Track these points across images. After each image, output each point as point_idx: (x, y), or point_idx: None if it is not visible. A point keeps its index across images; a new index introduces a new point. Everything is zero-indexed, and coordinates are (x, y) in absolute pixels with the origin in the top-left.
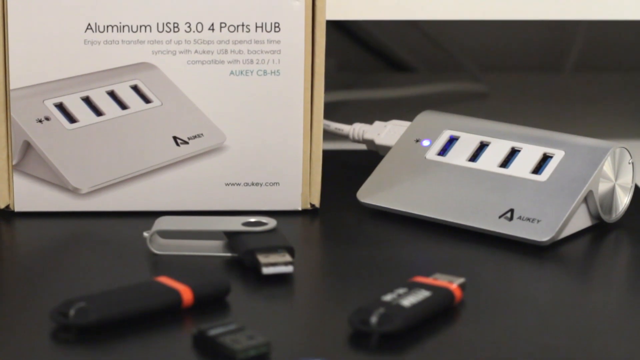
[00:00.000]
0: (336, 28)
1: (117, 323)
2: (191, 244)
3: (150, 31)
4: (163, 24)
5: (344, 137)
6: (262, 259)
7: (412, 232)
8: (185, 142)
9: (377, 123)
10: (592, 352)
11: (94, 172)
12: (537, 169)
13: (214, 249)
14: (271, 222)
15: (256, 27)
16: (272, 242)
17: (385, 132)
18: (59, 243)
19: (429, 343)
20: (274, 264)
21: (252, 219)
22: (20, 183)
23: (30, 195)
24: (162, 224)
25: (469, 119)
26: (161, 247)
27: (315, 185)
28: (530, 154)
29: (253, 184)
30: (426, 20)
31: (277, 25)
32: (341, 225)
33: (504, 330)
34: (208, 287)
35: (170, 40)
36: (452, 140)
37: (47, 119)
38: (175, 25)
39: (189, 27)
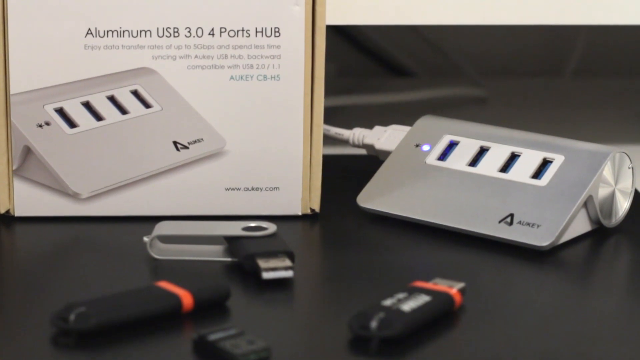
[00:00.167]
0: (336, 33)
1: (118, 328)
2: (191, 248)
3: (150, 36)
4: (163, 28)
5: (344, 142)
6: (262, 263)
7: (412, 237)
8: (186, 147)
9: (377, 128)
10: (592, 357)
11: (94, 177)
12: (537, 174)
13: (214, 253)
14: (271, 227)
15: (256, 32)
16: (272, 247)
17: (385, 137)
18: (59, 248)
19: (429, 348)
20: (274, 269)
21: (252, 224)
22: (21, 188)
23: (30, 200)
24: (162, 228)
25: (468, 123)
26: (161, 251)
27: (315, 190)
28: (530, 159)
29: (253, 189)
30: (426, 25)
31: (277, 30)
32: (341, 230)
33: (504, 335)
34: (208, 292)
35: (170, 45)
36: (452, 145)
37: (47, 123)
38: (175, 30)
39: (189, 32)
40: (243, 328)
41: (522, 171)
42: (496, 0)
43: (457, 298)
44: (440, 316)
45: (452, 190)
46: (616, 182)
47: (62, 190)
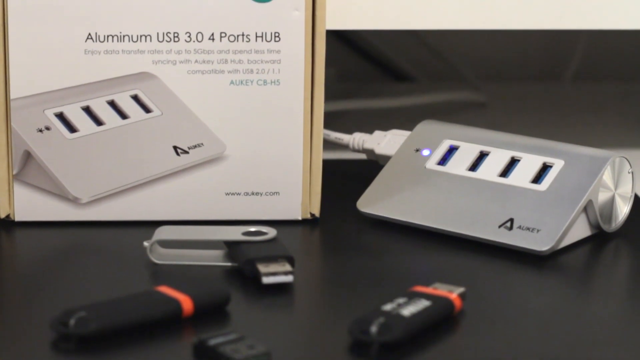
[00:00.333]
0: (336, 38)
1: (118, 333)
2: (191, 253)
3: (151, 41)
4: (163, 33)
5: (344, 147)
6: (262, 268)
7: (412, 242)
8: (186, 152)
9: (377, 132)
10: None
11: (94, 182)
12: (537, 179)
13: (214, 258)
14: (271, 232)
15: (256, 36)
16: (272, 252)
17: (385, 142)
18: (59, 253)
19: (429, 353)
20: (274, 274)
21: (252, 229)
22: (21, 193)
23: (30, 205)
24: (162, 233)
25: (468, 128)
26: (161, 256)
27: (315, 194)
28: (529, 164)
29: (253, 194)
30: (426, 30)
31: (277, 35)
32: (341, 235)
33: (504, 340)
34: (208, 297)
35: (171, 50)
36: (451, 150)
37: (47, 128)
38: (176, 35)
39: (189, 36)
40: (243, 333)
41: (522, 176)
42: (496, 5)
43: (457, 303)
44: (440, 321)
45: (452, 195)
46: (616, 187)
47: (62, 195)
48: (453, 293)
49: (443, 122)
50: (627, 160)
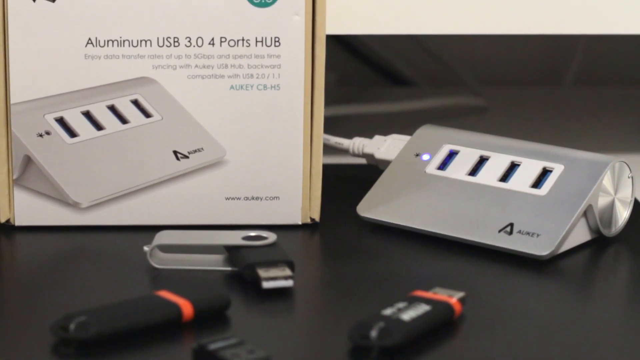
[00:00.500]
0: (336, 42)
1: (118, 337)
2: (191, 258)
3: (151, 46)
4: (163, 38)
5: (344, 151)
6: (262, 273)
7: (412, 246)
8: (186, 157)
9: (377, 137)
10: None
11: (94, 187)
12: (537, 183)
13: (214, 263)
14: (271, 236)
15: (256, 41)
16: (272, 256)
17: (385, 146)
18: (59, 257)
19: (429, 357)
20: (274, 278)
21: (252, 233)
22: (21, 197)
23: (30, 210)
24: (162, 238)
25: (468, 133)
26: (161, 261)
27: (315, 199)
28: (529, 168)
29: (253, 198)
30: (426, 35)
31: (277, 39)
32: (341, 240)
33: (504, 345)
34: (208, 301)
35: (171, 55)
36: (451, 155)
37: (47, 133)
38: (176, 39)
39: (189, 41)
40: (243, 337)
41: (521, 180)
42: (496, 9)
43: (457, 307)
44: (440, 325)
45: (452, 199)
46: (616, 192)
47: (63, 199)
48: (453, 298)
49: (443, 127)
50: (627, 164)
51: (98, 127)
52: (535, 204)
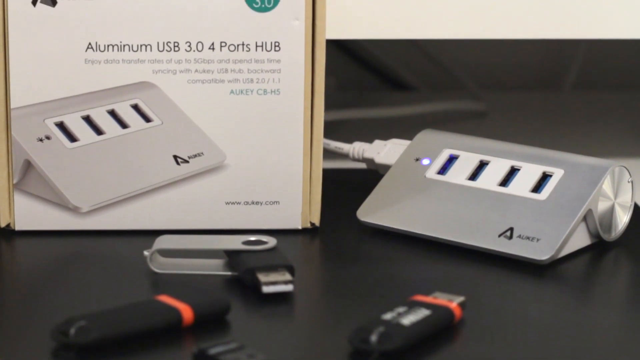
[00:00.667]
0: (336, 47)
1: (118, 342)
2: (191, 262)
3: (151, 50)
4: (163, 43)
5: (344, 156)
6: (262, 277)
7: (412, 251)
8: (186, 161)
9: (376, 142)
10: None
11: (94, 191)
12: (537, 188)
13: (214, 267)
14: (271, 241)
15: (256, 46)
16: (272, 261)
17: (385, 151)
18: (59, 262)
19: None
20: (274, 283)
21: (252, 238)
22: (21, 202)
23: (30, 214)
24: (162, 242)
25: (468, 137)
26: (161, 265)
27: (315, 204)
28: (529, 173)
29: (253, 203)
30: (426, 39)
31: (277, 44)
32: (341, 244)
33: (504, 349)
34: (208, 306)
35: (171, 60)
36: (451, 159)
37: (47, 137)
38: (176, 44)
39: (189, 46)
40: (243, 342)
41: (521, 185)
42: (496, 14)
43: (457, 312)
44: (440, 330)
45: (452, 204)
46: (616, 196)
47: (63, 204)
48: (453, 302)
49: (443, 132)
50: (627, 169)
51: (98, 131)
52: (535, 208)
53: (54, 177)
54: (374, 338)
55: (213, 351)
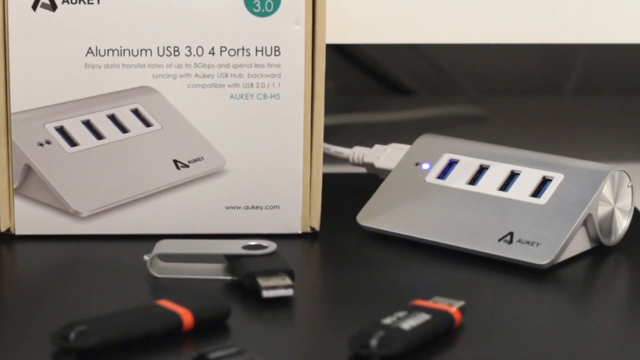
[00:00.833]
0: (336, 51)
1: (118, 346)
2: (191, 267)
3: (151, 55)
4: (163, 47)
5: (344, 161)
6: (262, 282)
7: (412, 255)
8: (186, 166)
9: (376, 146)
10: None
11: (94, 196)
12: (537, 192)
13: (214, 272)
14: (271, 246)
15: (256, 51)
16: (272, 265)
17: (385, 156)
18: (59, 266)
19: None
20: (274, 287)
21: (252, 242)
22: (21, 206)
23: (31, 219)
24: (162, 247)
25: (468, 142)
26: (161, 270)
27: (315, 208)
28: (529, 177)
29: (253, 207)
30: (426, 44)
31: (277, 49)
32: (341, 249)
33: (504, 354)
34: (208, 311)
35: (171, 64)
36: (451, 164)
37: (47, 142)
38: (176, 49)
39: (189, 51)
40: (243, 346)
41: (521, 190)
42: (495, 19)
43: (457, 316)
44: (440, 334)
45: (452, 208)
46: (615, 201)
47: (63, 208)
48: (453, 307)
49: (443, 136)
50: (627, 173)
51: (98, 136)
52: (535, 213)
53: (54, 182)
54: (374, 342)
55: (213, 356)
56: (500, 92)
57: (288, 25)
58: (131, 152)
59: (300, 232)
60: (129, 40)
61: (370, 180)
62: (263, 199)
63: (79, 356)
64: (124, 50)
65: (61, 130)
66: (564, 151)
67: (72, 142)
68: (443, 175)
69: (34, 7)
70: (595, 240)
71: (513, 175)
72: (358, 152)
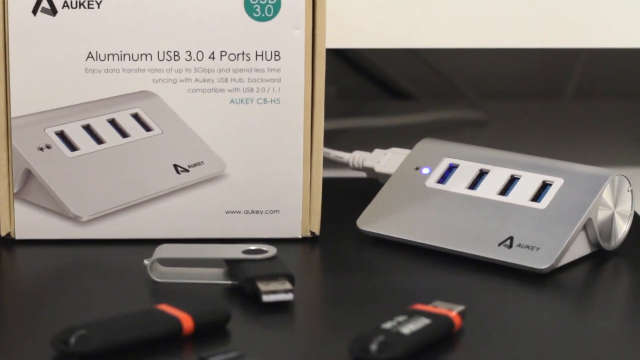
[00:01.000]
0: (336, 56)
1: (118, 351)
2: (192, 271)
3: (151, 60)
4: (164, 52)
5: (344, 165)
6: (263, 286)
7: (412, 260)
8: (186, 170)
9: (376, 151)
10: None
11: (94, 200)
12: (537, 197)
13: (215, 276)
14: (271, 250)
15: (256, 55)
16: (272, 270)
17: (385, 160)
18: (59, 271)
19: None
20: (274, 292)
21: (253, 247)
22: (21, 211)
23: (31, 223)
24: (162, 251)
25: (468, 146)
26: (162, 274)
27: (315, 213)
28: (529, 182)
29: (253, 212)
30: (426, 49)
31: (277, 53)
32: (341, 253)
33: (504, 358)
34: (208, 315)
35: (171, 69)
36: (451, 168)
37: (48, 147)
38: (176, 53)
39: (189, 55)
40: (243, 351)
41: (521, 194)
42: (496, 23)
43: (457, 321)
44: (440, 339)
45: (452, 213)
46: (615, 205)
47: (63, 213)
48: (453, 311)
49: (443, 141)
50: (627, 178)
51: (98, 140)
52: (535, 217)
53: (54, 186)
54: (374, 347)
55: None
56: (500, 96)
57: (288, 29)
58: (131, 157)
59: (300, 236)
60: (129, 45)
61: (370, 185)
62: (263, 203)
63: None
64: (124, 55)
65: (61, 135)
66: (563, 155)
67: (72, 147)
68: (443, 179)
69: (34, 11)
70: (595, 244)
71: (513, 180)
72: (358, 157)
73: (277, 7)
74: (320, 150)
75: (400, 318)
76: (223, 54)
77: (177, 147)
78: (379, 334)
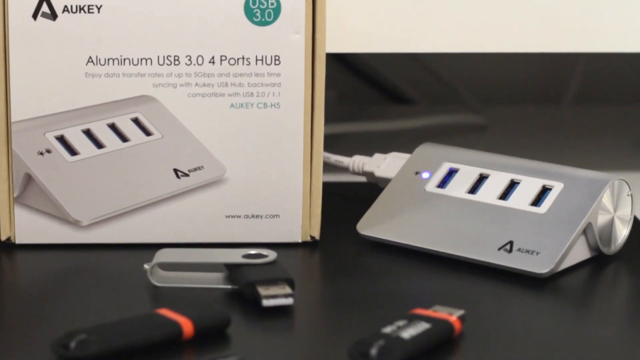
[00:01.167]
0: (336, 60)
1: (118, 355)
2: (192, 276)
3: (151, 64)
4: (164, 57)
5: (344, 169)
6: (263, 291)
7: (412, 264)
8: (186, 175)
9: (376, 155)
10: None
11: (94, 205)
12: (537, 201)
13: (215, 281)
14: (271, 255)
15: (256, 60)
16: (272, 274)
17: (385, 165)
18: (60, 275)
19: None
20: (274, 296)
21: (252, 251)
22: (21, 215)
23: (31, 228)
24: (162, 256)
25: (468, 151)
26: (162, 279)
27: (315, 217)
28: (529, 186)
29: (253, 216)
30: (426, 53)
31: (277, 58)
32: (341, 258)
33: None
34: (208, 319)
35: (171, 73)
36: (451, 173)
37: (48, 151)
38: (176, 58)
39: (189, 60)
40: (243, 355)
41: (521, 198)
42: (495, 28)
43: (457, 325)
44: (440, 343)
45: (452, 217)
46: (615, 210)
47: (63, 217)
48: (453, 315)
49: (443, 145)
50: (627, 182)
51: (98, 145)
52: (535, 222)
53: (55, 191)
54: (373, 352)
55: None
56: (500, 101)
57: (288, 34)
58: (131, 161)
59: (300, 241)
60: (130, 50)
61: (370, 189)
62: (263, 207)
63: None
64: (125, 60)
65: (61, 139)
66: (563, 160)
67: (72, 151)
68: (443, 184)
69: (35, 16)
70: (595, 249)
71: (513, 184)
72: (358, 161)
73: (277, 11)
74: (320, 154)
75: (400, 322)
76: (223, 58)
77: (177, 152)
78: (379, 339)
